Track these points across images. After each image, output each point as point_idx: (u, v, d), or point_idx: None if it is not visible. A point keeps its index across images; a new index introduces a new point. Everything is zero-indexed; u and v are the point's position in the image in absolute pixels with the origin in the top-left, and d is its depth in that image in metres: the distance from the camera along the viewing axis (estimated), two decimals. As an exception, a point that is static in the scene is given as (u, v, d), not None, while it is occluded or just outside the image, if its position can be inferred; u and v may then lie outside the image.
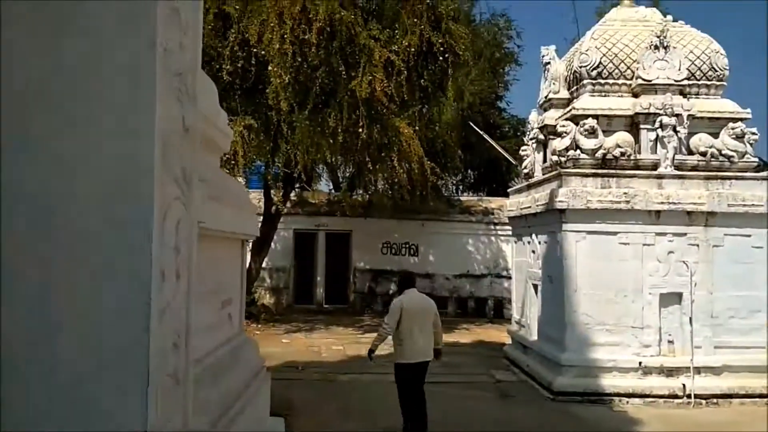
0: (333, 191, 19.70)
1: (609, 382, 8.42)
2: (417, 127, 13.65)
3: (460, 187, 23.97)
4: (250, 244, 14.58)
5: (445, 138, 17.24)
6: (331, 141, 12.28)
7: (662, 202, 8.64)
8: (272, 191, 14.24)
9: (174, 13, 1.82)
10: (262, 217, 14.63)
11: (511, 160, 18.57)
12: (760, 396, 8.39)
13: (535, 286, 10.08)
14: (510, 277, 13.16)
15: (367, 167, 13.33)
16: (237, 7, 11.49)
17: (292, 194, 16.29)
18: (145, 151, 1.66)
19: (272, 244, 16.16)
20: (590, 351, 8.54)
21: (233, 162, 11.73)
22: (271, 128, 12.88)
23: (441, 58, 12.53)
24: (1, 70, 1.69)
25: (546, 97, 10.57)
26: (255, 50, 11.41)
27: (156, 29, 1.68)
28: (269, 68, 11.42)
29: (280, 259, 17.92)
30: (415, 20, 12.25)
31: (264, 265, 16.17)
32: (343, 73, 11.73)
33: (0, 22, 1.69)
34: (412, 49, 12.14)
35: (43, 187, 1.68)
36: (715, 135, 9.07)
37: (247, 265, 14.71)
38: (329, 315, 16.91)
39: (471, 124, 19.51)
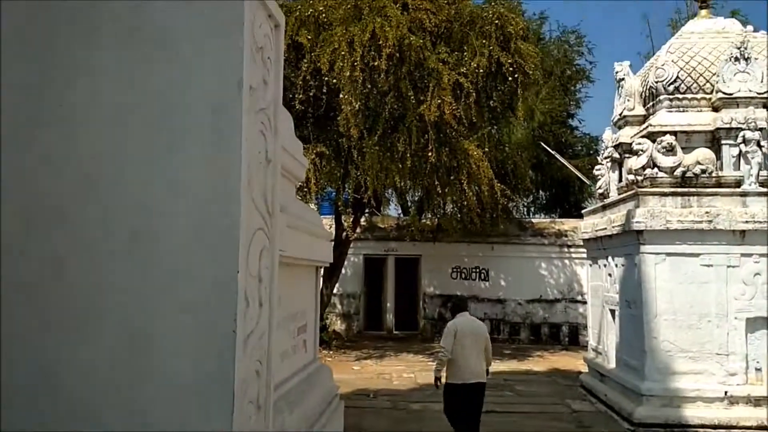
0: (402, 216, 19.78)
1: (692, 413, 8.01)
2: (486, 149, 13.61)
3: (532, 208, 23.60)
4: (323, 270, 14.85)
5: (515, 159, 17.10)
6: (400, 165, 12.37)
7: (747, 221, 8.24)
8: (343, 217, 14.44)
9: (259, 52, 1.90)
10: (332, 243, 14.81)
11: (584, 179, 18.17)
12: None
13: (612, 312, 9.74)
14: (585, 302, 12.77)
15: (436, 191, 13.32)
16: (309, 37, 11.83)
17: (362, 219, 16.45)
18: (232, 184, 1.74)
19: (342, 269, 16.32)
20: (672, 380, 8.16)
21: (306, 189, 11.99)
22: (342, 155, 13.11)
23: (510, 78, 12.45)
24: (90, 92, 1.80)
25: (620, 114, 10.32)
26: (326, 78, 11.69)
27: (242, 67, 1.76)
28: (340, 96, 11.67)
29: (351, 284, 18.05)
30: (484, 41, 12.26)
31: (335, 291, 16.33)
32: (412, 97, 11.85)
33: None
34: (481, 71, 12.14)
35: (132, 221, 1.78)
36: (804, 149, 8.61)
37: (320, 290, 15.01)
38: (399, 341, 16.86)
39: (542, 143, 19.24)
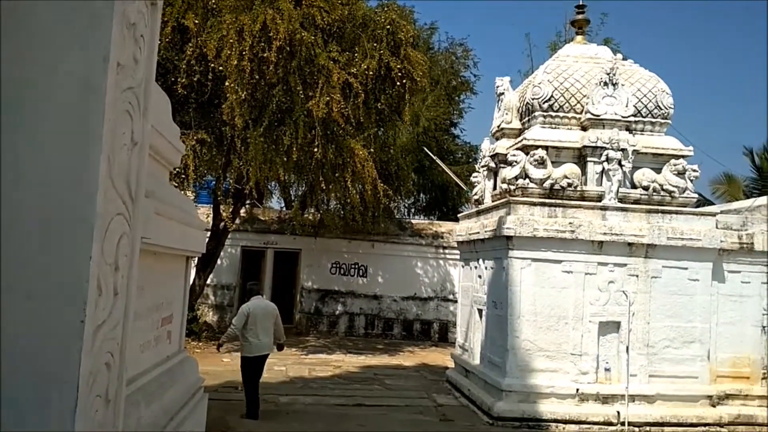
0: (284, 209, 19.58)
1: (547, 408, 8.56)
2: (372, 150, 13.75)
3: (412, 210, 24.18)
4: (196, 260, 14.37)
5: (399, 161, 17.40)
6: (285, 159, 12.22)
7: (605, 233, 8.90)
8: (221, 207, 14.06)
9: (130, 28, 1.81)
10: (209, 233, 14.42)
11: (462, 185, 18.85)
12: (692, 425, 8.67)
13: (480, 311, 10.20)
14: (456, 301, 13.28)
15: (320, 186, 13.30)
16: (197, 21, 11.40)
17: (242, 211, 16.12)
18: (90, 165, 1.64)
19: (219, 260, 15.92)
20: (530, 377, 8.68)
21: (184, 176, 11.56)
22: (225, 143, 12.77)
23: (398, 82, 12.67)
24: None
25: (498, 126, 10.80)
26: (212, 65, 11.32)
27: (110, 44, 1.67)
28: (226, 84, 11.35)
29: (226, 276, 17.63)
30: (375, 44, 12.39)
31: (209, 281, 15.91)
32: (301, 92, 11.74)
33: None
34: (371, 73, 12.26)
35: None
36: (658, 170, 9.42)
37: (191, 281, 14.53)
38: (274, 334, 16.70)
39: (425, 148, 19.75)
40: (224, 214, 13.93)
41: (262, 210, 17.91)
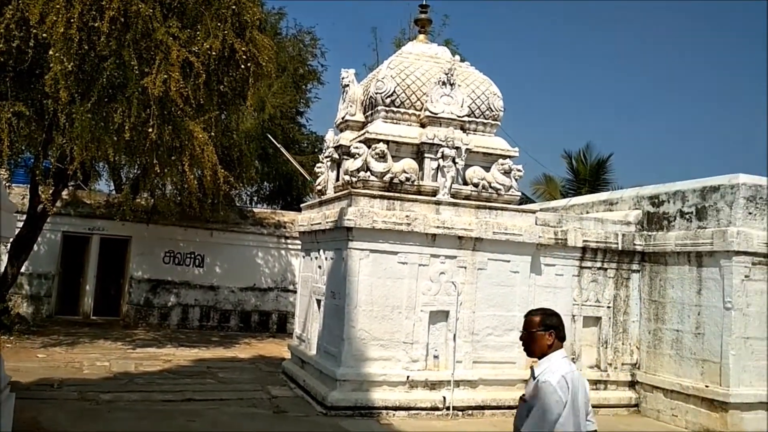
0: (113, 193, 18.31)
1: (379, 396, 8.80)
2: (213, 133, 13.24)
3: (255, 198, 23.76)
4: (8, 246, 12.96)
5: (243, 147, 16.98)
6: (115, 138, 11.35)
7: (438, 227, 9.30)
8: (40, 188, 12.80)
9: None
10: (25, 216, 13.10)
11: (306, 176, 18.81)
12: (509, 408, 9.33)
13: (319, 302, 10.24)
14: (296, 292, 13.23)
15: (155, 170, 12.53)
16: (18, -19, 10.24)
17: (65, 193, 14.82)
18: None
19: (36, 246, 14.52)
20: (365, 366, 8.87)
21: (-5, 152, 10.38)
22: (46, 118, 11.61)
23: (243, 65, 12.28)
24: None
25: (343, 118, 10.88)
26: (35, 31, 10.23)
27: None
28: (50, 53, 10.31)
29: (44, 264, 16.12)
30: (219, 24, 11.89)
31: (24, 270, 14.45)
32: (136, 68, 10.95)
33: None
34: (213, 53, 11.76)
35: None
36: (487, 169, 10.00)
37: (2, 269, 13.09)
38: (97, 327, 15.59)
39: (270, 136, 19.43)
40: (43, 195, 12.68)
41: (88, 193, 16.56)
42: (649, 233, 10.55)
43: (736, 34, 54.49)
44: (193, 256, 17.50)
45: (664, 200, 10.48)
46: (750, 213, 9.19)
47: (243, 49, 12.07)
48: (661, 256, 10.28)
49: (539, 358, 3.36)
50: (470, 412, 9.14)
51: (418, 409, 8.92)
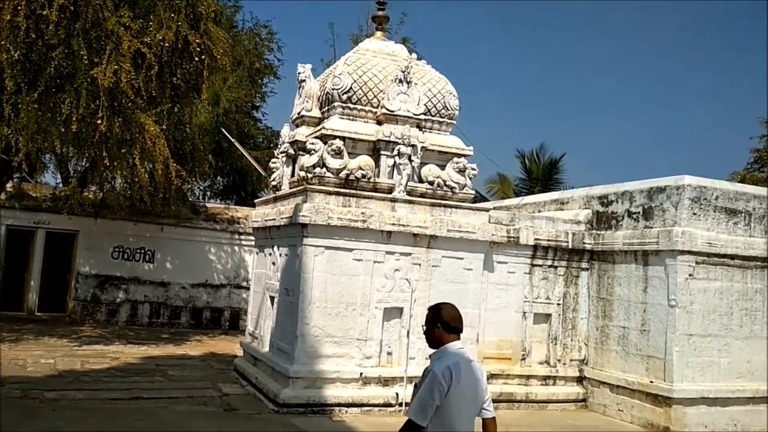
0: (60, 186, 17.76)
1: (332, 393, 8.79)
2: (165, 126, 12.98)
3: (208, 193, 23.39)
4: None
5: (196, 141, 16.69)
6: (62, 129, 11.04)
7: (394, 224, 9.33)
8: (-17, 179, 12.35)
9: None
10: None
11: (261, 171, 18.60)
12: (461, 402, 9.46)
13: (272, 298, 10.15)
14: (249, 288, 13.08)
15: (104, 163, 12.24)
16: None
17: (9, 185, 14.33)
18: None
19: (-23, 239, 14.00)
20: (318, 363, 8.83)
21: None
22: (-10, 108, 11.21)
23: (197, 58, 12.07)
24: None
25: (299, 113, 10.80)
26: (-21, 19, 9.85)
27: None
28: (-5, 41, 9.95)
29: (-14, 258, 15.56)
30: (172, 15, 11.66)
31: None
32: (85, 57, 10.65)
33: None
34: (166, 44, 11.53)
35: None
36: (443, 167, 10.07)
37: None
38: (42, 324, 15.14)
39: (224, 130, 19.15)
40: (-14, 188, 12.25)
41: (34, 185, 16.04)
42: (598, 232, 10.81)
43: (686, 35, 56.32)
44: (143, 251, 17.13)
45: (612, 200, 10.76)
46: (694, 213, 9.51)
47: (197, 41, 11.86)
48: (610, 254, 10.54)
49: (436, 349, 3.65)
50: (423, 408, 9.19)
51: (371, 405, 8.94)
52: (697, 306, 9.41)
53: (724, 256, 9.53)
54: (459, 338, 3.65)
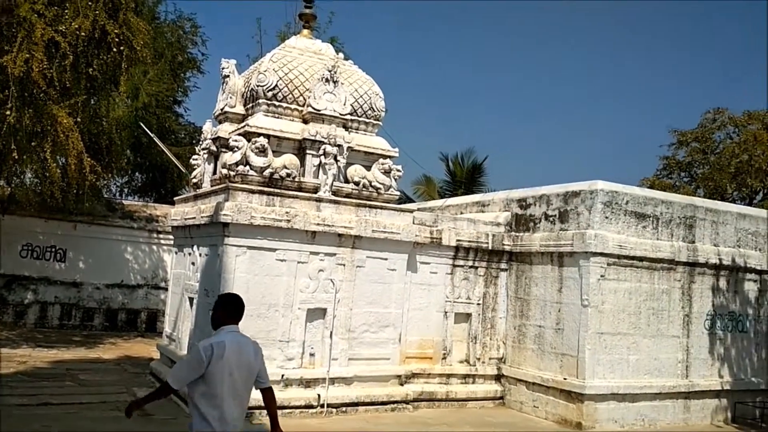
0: (-37, 179, 16.67)
1: (252, 396, 8.61)
2: (79, 119, 12.44)
3: (126, 190, 22.51)
4: None
5: (113, 136, 16.01)
6: (-33, 120, 10.40)
7: (319, 224, 9.28)
8: None
9: None
10: None
11: (182, 168, 18.08)
12: (382, 403, 9.53)
13: (191, 300, 9.90)
14: (168, 289, 12.69)
15: (12, 156, 11.56)
16: None
17: None
18: None
19: None
20: (239, 364, 8.65)
21: None
22: None
23: (116, 49, 11.65)
24: None
25: (222, 109, 10.58)
26: None
27: None
28: None
29: None
30: (89, 3, 11.21)
31: None
32: (-5, 44, 10.11)
33: None
34: (83, 34, 11.09)
35: None
36: (368, 168, 10.11)
37: None
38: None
39: (143, 125, 18.48)
40: None
41: (-68, 179, 14.98)
42: (517, 234, 11.14)
43: (607, 43, 58.89)
44: (54, 249, 16.32)
45: (531, 203, 11.11)
46: (607, 217, 9.96)
47: (116, 31, 11.47)
48: (527, 255, 10.89)
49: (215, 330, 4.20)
50: (344, 409, 9.21)
51: (292, 407, 8.86)
52: (608, 306, 9.85)
53: (634, 258, 10.03)
54: (236, 323, 4.22)
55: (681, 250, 10.48)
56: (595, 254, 9.73)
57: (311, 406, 8.99)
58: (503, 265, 11.21)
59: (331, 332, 9.26)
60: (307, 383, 9.11)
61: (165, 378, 4.13)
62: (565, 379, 9.82)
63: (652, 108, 54.91)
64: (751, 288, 11.40)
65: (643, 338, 10.14)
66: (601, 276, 9.80)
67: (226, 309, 4.24)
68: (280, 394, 8.79)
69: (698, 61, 55.98)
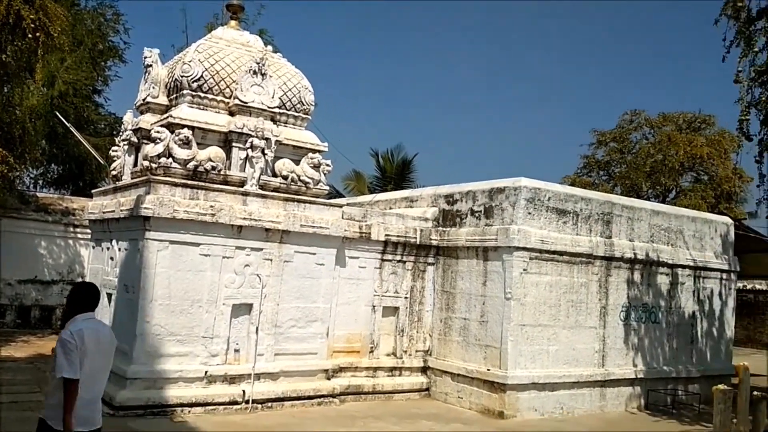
0: None
1: (174, 393, 8.44)
2: (-10, 108, 11.75)
3: (40, 182, 21.43)
4: None
5: (27, 125, 15.20)
6: None
7: (245, 218, 9.13)
8: None
9: None
10: None
11: (101, 159, 17.38)
12: (309, 398, 9.49)
13: (110, 296, 9.54)
14: (86, 285, 12.17)
15: None
16: None
17: None
18: None
19: None
20: (159, 362, 8.44)
21: None
22: None
23: (31, 35, 11.08)
24: None
25: (144, 99, 10.24)
26: None
27: None
28: None
29: None
30: (3, -15, 10.60)
31: None
32: None
33: None
34: (-4, 19, 10.47)
35: None
36: (297, 162, 10.02)
37: None
38: None
39: (59, 114, 17.64)
40: None
41: None
42: (444, 229, 11.32)
43: (533, 43, 60.51)
44: (-41, 244, 15.34)
45: (457, 199, 11.31)
46: (530, 213, 10.25)
47: (32, 16, 10.94)
48: (454, 250, 11.08)
49: (71, 319, 4.30)
50: (270, 404, 9.12)
51: (216, 404, 8.70)
52: (530, 298, 10.15)
53: (555, 252, 10.37)
54: (92, 311, 4.38)
55: (599, 245, 10.92)
56: (518, 249, 10.00)
57: (236, 402, 8.85)
58: (430, 260, 11.37)
59: (257, 328, 9.14)
60: (232, 379, 8.96)
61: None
62: (488, 369, 10.06)
63: (576, 108, 56.96)
64: (663, 281, 12.01)
65: (563, 329, 10.51)
66: (524, 270, 10.09)
67: (81, 298, 4.39)
68: (204, 391, 8.67)
69: (618, 62, 58.43)
